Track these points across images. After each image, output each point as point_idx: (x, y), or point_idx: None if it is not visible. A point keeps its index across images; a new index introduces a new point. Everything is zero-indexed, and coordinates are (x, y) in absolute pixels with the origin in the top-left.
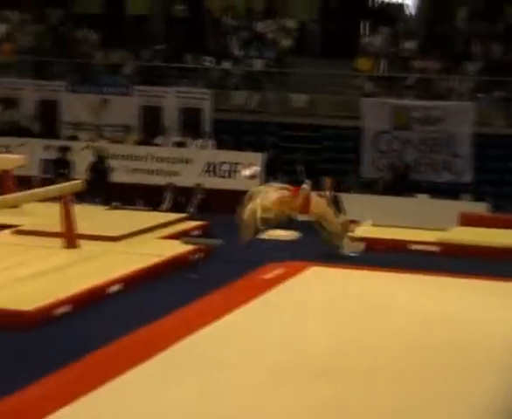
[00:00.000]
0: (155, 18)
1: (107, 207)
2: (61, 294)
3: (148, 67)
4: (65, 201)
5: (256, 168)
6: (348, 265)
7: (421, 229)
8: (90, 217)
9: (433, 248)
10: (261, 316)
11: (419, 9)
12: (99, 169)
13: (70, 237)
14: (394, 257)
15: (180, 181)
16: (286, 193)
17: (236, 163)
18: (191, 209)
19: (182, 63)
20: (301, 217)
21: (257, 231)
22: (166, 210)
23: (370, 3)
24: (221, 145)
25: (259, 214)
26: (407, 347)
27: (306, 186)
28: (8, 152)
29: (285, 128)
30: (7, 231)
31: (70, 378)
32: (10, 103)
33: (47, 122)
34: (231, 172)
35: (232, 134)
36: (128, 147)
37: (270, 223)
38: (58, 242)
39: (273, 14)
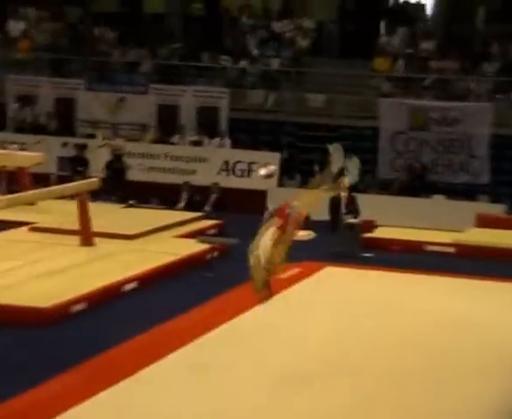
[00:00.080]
0: (172, 17)
1: (123, 205)
2: (77, 292)
3: (165, 66)
4: (82, 198)
5: (272, 168)
6: (363, 266)
7: (437, 230)
8: (106, 215)
9: (449, 249)
10: (277, 315)
11: (438, 9)
12: (115, 167)
13: (86, 235)
14: (409, 258)
15: (196, 179)
16: (275, 230)
17: (252, 163)
18: (207, 208)
19: (199, 62)
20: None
21: (268, 283)
22: (182, 209)
23: (388, 3)
24: (237, 144)
25: (263, 265)
26: (420, 348)
27: (295, 205)
28: (25, 149)
29: (301, 128)
30: (24, 228)
31: (84, 376)
32: (28, 101)
33: (64, 120)
34: (248, 171)
35: (249, 134)
36: (145, 146)
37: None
38: (74, 239)
39: (290, 14)
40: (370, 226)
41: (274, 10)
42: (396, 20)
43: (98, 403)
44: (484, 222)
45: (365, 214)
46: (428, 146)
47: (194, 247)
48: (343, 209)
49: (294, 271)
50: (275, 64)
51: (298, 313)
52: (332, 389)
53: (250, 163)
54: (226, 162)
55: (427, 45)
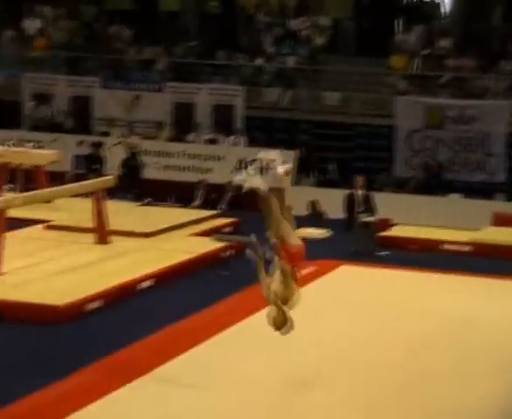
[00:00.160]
0: (187, 14)
1: (138, 203)
2: (92, 290)
3: (180, 64)
4: (98, 196)
5: (288, 166)
6: (378, 265)
7: (453, 228)
8: (122, 213)
9: (466, 248)
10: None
11: (455, 6)
12: (131, 165)
13: (102, 233)
14: (425, 257)
15: (212, 178)
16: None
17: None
18: (223, 206)
19: (214, 59)
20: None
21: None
22: (197, 207)
23: (403, 1)
24: (253, 142)
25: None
26: (437, 348)
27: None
28: (41, 147)
29: (317, 126)
30: (39, 226)
31: (98, 374)
32: (44, 99)
33: (80, 118)
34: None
35: (264, 132)
36: (160, 144)
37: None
38: (89, 237)
39: (306, 11)
40: (386, 224)
41: (290, 7)
42: (412, 18)
43: (113, 401)
44: (501, 220)
45: (381, 212)
46: (444, 144)
47: (210, 245)
48: (359, 208)
49: (310, 269)
50: (291, 61)
51: (313, 312)
52: (346, 388)
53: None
54: (242, 160)
55: (444, 43)
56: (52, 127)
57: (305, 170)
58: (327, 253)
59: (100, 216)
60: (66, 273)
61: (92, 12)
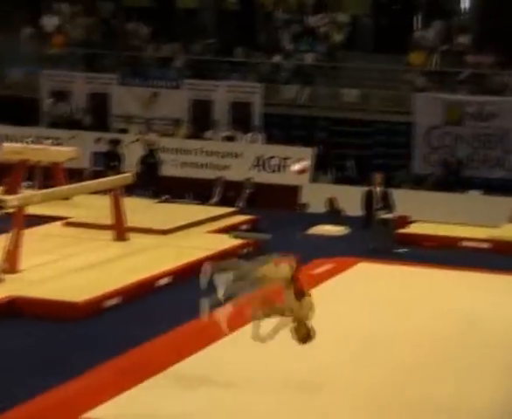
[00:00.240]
0: (205, 12)
1: (156, 200)
2: (110, 286)
3: (198, 61)
4: (116, 194)
5: (306, 163)
6: (397, 262)
7: (472, 226)
8: (140, 210)
9: (484, 245)
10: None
11: (474, 2)
12: (149, 163)
13: (120, 230)
14: (444, 254)
15: (229, 175)
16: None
17: (285, 158)
18: (240, 204)
19: (232, 57)
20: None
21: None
22: (215, 204)
23: None
24: (271, 139)
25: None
26: (455, 345)
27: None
28: (59, 145)
29: (335, 123)
30: (58, 223)
31: (115, 371)
32: (62, 96)
33: (98, 115)
34: (281, 166)
35: (282, 129)
36: (178, 141)
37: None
38: (108, 234)
39: (324, 8)
40: (405, 221)
41: (309, 4)
42: (431, 14)
43: (129, 399)
44: None
45: (399, 209)
46: (463, 140)
47: (227, 242)
48: (378, 205)
49: (328, 266)
50: (309, 58)
51: (330, 309)
52: (362, 385)
53: (283, 159)
54: (259, 158)
55: (463, 39)
56: (71, 124)
57: (323, 167)
58: (345, 250)
59: (118, 213)
60: (85, 270)
61: (109, 9)
